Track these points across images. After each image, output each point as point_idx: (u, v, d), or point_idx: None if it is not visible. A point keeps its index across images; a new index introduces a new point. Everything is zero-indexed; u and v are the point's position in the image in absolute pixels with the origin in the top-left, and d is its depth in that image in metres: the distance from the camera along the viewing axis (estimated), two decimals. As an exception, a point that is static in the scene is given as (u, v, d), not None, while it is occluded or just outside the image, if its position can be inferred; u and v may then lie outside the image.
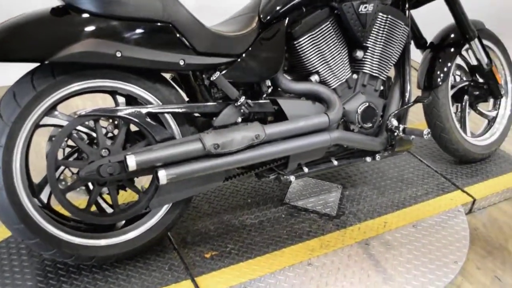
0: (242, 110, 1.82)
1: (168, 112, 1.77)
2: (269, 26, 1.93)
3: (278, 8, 1.93)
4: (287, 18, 1.96)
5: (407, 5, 2.27)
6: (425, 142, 2.85)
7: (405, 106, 2.19)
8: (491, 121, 2.80)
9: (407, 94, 2.23)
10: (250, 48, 1.86)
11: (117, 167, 1.69)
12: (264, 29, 1.92)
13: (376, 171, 2.59)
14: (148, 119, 1.75)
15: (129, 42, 1.64)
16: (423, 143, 2.87)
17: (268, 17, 1.92)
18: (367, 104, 2.13)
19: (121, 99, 1.81)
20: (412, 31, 2.51)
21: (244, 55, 1.84)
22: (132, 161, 1.62)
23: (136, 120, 1.72)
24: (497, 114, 2.79)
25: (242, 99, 1.79)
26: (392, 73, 2.30)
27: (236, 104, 1.80)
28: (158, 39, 1.69)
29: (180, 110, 1.78)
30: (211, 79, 1.76)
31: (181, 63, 1.72)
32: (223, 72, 1.81)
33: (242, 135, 1.77)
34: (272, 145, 1.85)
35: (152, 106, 1.75)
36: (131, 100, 1.80)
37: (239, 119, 1.85)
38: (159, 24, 1.68)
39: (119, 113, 1.70)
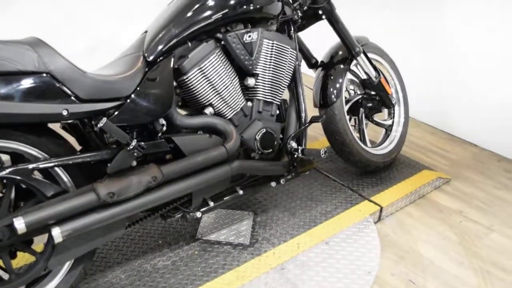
0: (135, 154, 1.77)
1: (56, 166, 1.69)
2: (155, 64, 1.90)
3: (162, 45, 1.91)
4: (173, 54, 1.94)
5: (292, 29, 2.33)
6: (330, 158, 2.92)
7: (302, 128, 2.23)
8: (388, 130, 2.93)
9: (303, 115, 2.27)
10: (137, 89, 1.81)
11: (6, 231, 1.58)
12: (151, 68, 1.88)
13: (285, 193, 2.62)
14: (36, 176, 1.66)
15: (5, 98, 1.55)
16: (328, 158, 2.93)
17: (153, 55, 1.90)
18: (265, 130, 2.15)
19: (6, 157, 1.71)
20: (302, 52, 2.58)
21: (131, 97, 1.79)
22: (20, 224, 1.52)
23: (22, 178, 1.62)
24: (393, 122, 2.92)
25: (134, 142, 1.74)
26: (287, 95, 2.35)
27: (128, 149, 1.75)
28: (37, 91, 1.60)
29: (69, 162, 1.70)
30: (98, 126, 1.70)
31: (64, 113, 1.64)
32: (112, 116, 1.75)
33: (138, 179, 1.72)
34: (172, 184, 1.81)
35: (38, 162, 1.66)
36: (18, 157, 1.70)
37: (134, 163, 1.80)
38: (35, 75, 1.60)
39: (1, 174, 1.59)
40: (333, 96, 2.53)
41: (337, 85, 2.55)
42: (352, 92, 2.82)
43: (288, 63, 2.23)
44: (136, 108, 1.80)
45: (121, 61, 1.93)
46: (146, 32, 2.02)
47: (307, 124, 2.23)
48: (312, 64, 2.66)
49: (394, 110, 2.91)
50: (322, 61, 2.66)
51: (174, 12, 2.00)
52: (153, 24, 2.03)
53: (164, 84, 1.88)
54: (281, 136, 2.28)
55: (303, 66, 2.48)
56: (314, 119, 2.21)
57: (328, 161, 2.93)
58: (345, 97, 2.69)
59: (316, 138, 3.23)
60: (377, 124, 2.90)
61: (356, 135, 2.68)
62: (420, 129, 3.56)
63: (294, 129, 2.25)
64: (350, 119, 2.78)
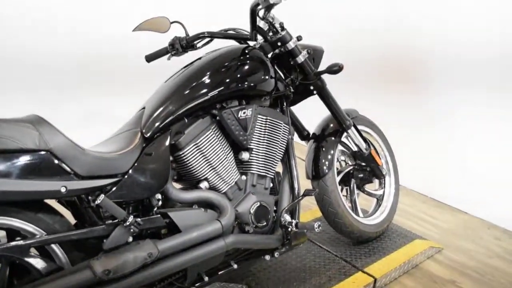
0: (131, 230, 1.79)
1: (52, 243, 1.70)
2: (152, 140, 1.95)
3: (160, 121, 1.97)
4: (170, 130, 2.00)
5: (285, 104, 2.41)
6: (323, 228, 2.91)
7: (295, 201, 2.27)
8: (380, 199, 2.96)
9: (296, 188, 2.31)
10: (134, 166, 1.85)
11: (-1, 311, 1.57)
12: (148, 144, 1.93)
13: (279, 264, 2.61)
14: (31, 253, 1.66)
15: (4, 175, 1.58)
16: (321, 229, 2.92)
17: (151, 132, 1.95)
18: (259, 203, 2.18)
19: (2, 233, 1.72)
20: (294, 125, 2.65)
21: (129, 173, 1.83)
22: (15, 304, 1.52)
23: (17, 256, 1.63)
24: (384, 192, 2.96)
25: (131, 218, 1.76)
26: (280, 168, 2.40)
27: (125, 225, 1.77)
28: (36, 169, 1.63)
29: (65, 239, 1.71)
30: (96, 202, 1.72)
31: (63, 190, 1.67)
32: (109, 193, 1.78)
33: (134, 256, 1.72)
34: (167, 260, 1.82)
35: (34, 239, 1.66)
36: (14, 233, 1.71)
37: (130, 239, 1.81)
38: (36, 153, 1.64)
39: (-3, 251, 1.60)
40: (325, 168, 2.58)
41: (329, 157, 2.61)
42: (343, 163, 2.88)
43: (281, 138, 2.29)
44: (133, 184, 1.84)
45: (119, 137, 1.98)
46: (143, 108, 2.08)
47: (300, 198, 2.26)
48: (304, 136, 2.73)
49: (385, 180, 2.96)
50: (314, 133, 2.73)
51: (171, 90, 2.08)
52: (150, 100, 2.10)
53: (161, 160, 1.93)
54: (274, 208, 2.31)
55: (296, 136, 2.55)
56: (307, 193, 2.25)
57: (321, 232, 2.93)
58: (337, 168, 2.75)
59: (309, 207, 3.26)
60: (369, 194, 2.94)
61: (348, 205, 2.72)
62: (411, 197, 3.60)
63: (287, 202, 2.28)
64: (341, 190, 2.82)
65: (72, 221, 1.87)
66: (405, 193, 3.59)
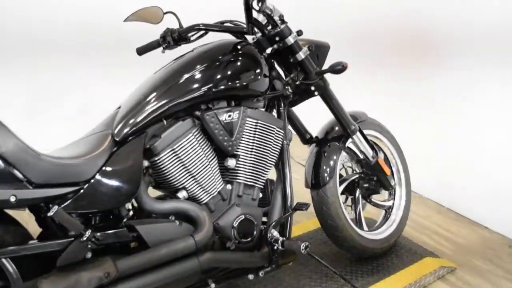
0: (89, 246, 1.60)
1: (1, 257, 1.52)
2: (124, 144, 1.75)
3: (134, 123, 1.78)
4: (146, 133, 1.80)
5: (282, 105, 2.19)
6: (325, 239, 2.68)
7: (284, 216, 2.04)
8: (388, 212, 2.71)
9: (288, 199, 2.09)
10: (100, 172, 1.66)
11: None
12: (118, 149, 1.74)
13: (270, 280, 2.38)
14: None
15: None
16: (322, 240, 2.71)
17: (123, 134, 1.75)
18: (243, 216, 1.96)
19: None
20: (296, 128, 2.42)
21: (91, 181, 1.64)
22: None
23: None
24: (393, 204, 2.71)
25: (88, 233, 1.57)
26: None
27: (81, 240, 1.58)
28: None
29: (14, 254, 1.53)
30: (48, 214, 1.53)
31: (12, 199, 1.49)
32: (67, 203, 1.59)
33: (89, 276, 1.54)
34: (129, 280, 1.63)
35: None
36: None
37: (89, 254, 1.62)
38: None
39: None
40: (326, 176, 2.35)
41: (331, 164, 2.37)
42: (350, 170, 2.63)
43: (274, 144, 2.07)
44: (96, 194, 1.64)
45: (88, 140, 1.79)
46: (119, 107, 1.89)
47: (290, 212, 2.04)
48: (306, 139, 2.49)
49: (395, 191, 2.70)
50: (316, 137, 2.48)
51: (151, 87, 1.89)
52: (128, 99, 1.91)
53: (131, 168, 1.72)
54: (265, 219, 2.09)
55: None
56: (298, 207, 2.02)
57: (321, 244, 2.70)
58: (342, 176, 2.51)
59: (309, 216, 3.01)
60: (376, 205, 2.69)
61: (351, 217, 2.48)
62: (426, 207, 3.32)
63: (278, 215, 2.06)
64: (346, 199, 2.59)
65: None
66: (419, 201, 3.32)
